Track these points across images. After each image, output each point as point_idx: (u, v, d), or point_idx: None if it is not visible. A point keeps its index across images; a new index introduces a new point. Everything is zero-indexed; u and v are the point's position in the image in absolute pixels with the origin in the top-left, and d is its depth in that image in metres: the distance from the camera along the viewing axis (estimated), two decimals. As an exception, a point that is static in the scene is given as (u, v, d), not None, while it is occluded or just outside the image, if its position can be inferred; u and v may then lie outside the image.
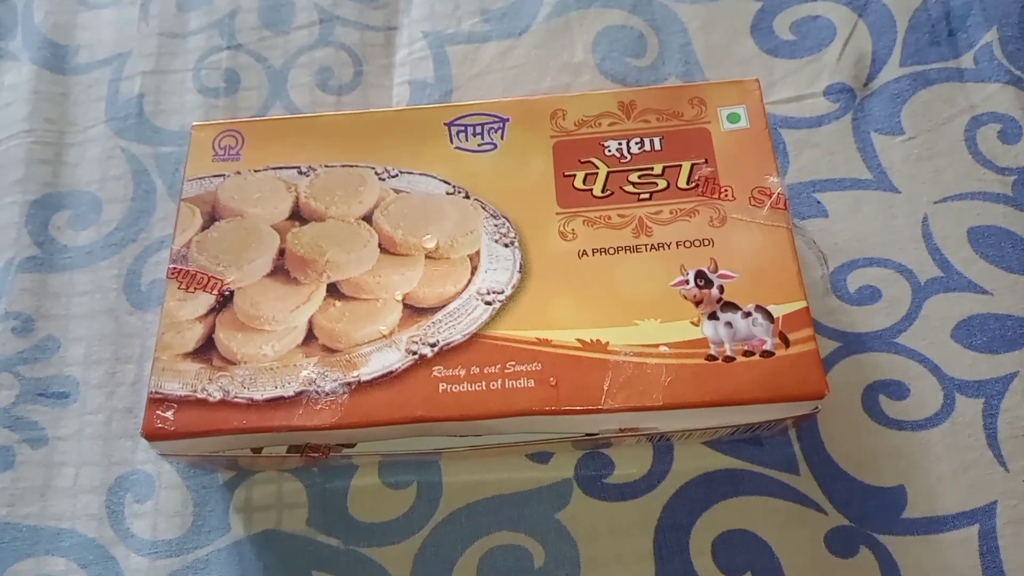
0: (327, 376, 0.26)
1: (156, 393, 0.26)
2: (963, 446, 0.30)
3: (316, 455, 0.27)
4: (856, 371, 0.32)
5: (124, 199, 0.36)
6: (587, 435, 0.28)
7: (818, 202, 0.34)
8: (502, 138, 0.30)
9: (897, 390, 0.31)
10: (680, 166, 0.29)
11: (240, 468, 0.31)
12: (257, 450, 0.28)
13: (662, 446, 0.31)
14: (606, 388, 0.26)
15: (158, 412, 0.26)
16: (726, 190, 0.29)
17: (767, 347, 0.26)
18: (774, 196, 0.28)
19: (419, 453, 0.29)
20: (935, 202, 0.34)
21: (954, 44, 0.37)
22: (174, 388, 0.26)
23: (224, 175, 0.30)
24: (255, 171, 0.30)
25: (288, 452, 0.27)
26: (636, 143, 0.30)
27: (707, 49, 0.38)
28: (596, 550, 0.30)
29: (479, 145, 0.30)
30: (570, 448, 0.31)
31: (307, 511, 0.31)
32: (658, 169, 0.29)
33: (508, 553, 0.30)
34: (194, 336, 0.27)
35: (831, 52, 0.37)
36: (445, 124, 0.31)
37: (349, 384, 0.26)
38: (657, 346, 0.26)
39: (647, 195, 0.29)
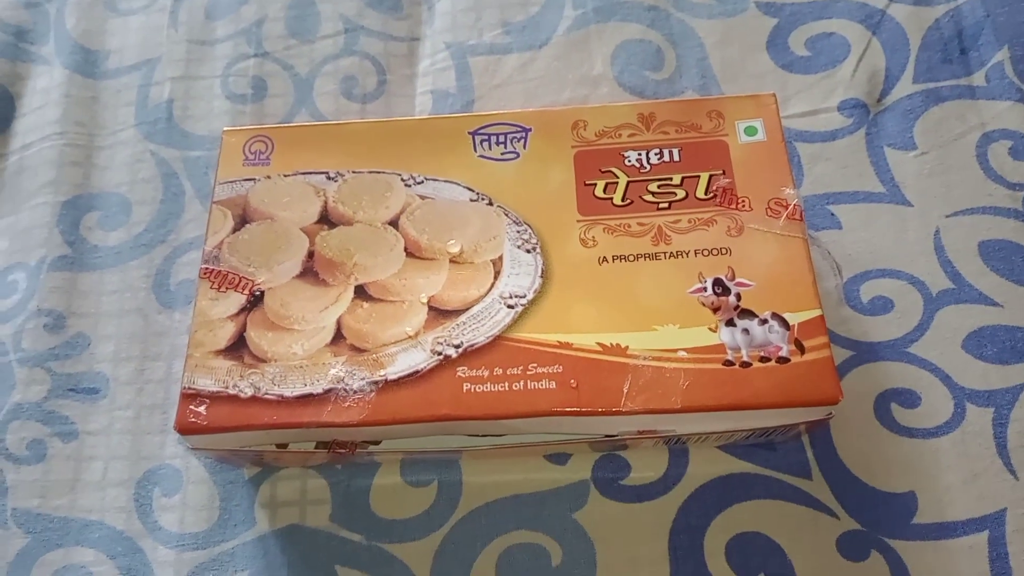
0: (355, 375, 0.27)
1: (189, 388, 0.27)
2: (973, 454, 0.31)
3: (343, 451, 0.28)
4: (868, 379, 0.32)
5: (153, 201, 0.37)
6: (606, 436, 0.28)
7: (832, 214, 0.35)
8: (524, 147, 0.31)
9: (909, 398, 0.32)
10: (698, 177, 0.30)
11: (265, 464, 0.32)
12: (282, 446, 0.28)
13: (678, 449, 0.32)
14: (626, 391, 0.26)
15: (191, 407, 0.27)
16: (743, 201, 0.29)
17: (783, 353, 0.27)
18: (790, 207, 0.29)
19: (441, 451, 0.30)
20: (947, 216, 0.35)
21: (966, 62, 0.38)
22: (206, 384, 0.27)
23: (254, 179, 0.31)
24: (285, 176, 0.31)
25: (316, 448, 0.28)
26: (655, 154, 0.30)
27: (723, 64, 0.39)
28: (612, 550, 0.30)
29: (502, 154, 0.31)
30: (588, 450, 0.31)
31: (330, 507, 0.31)
32: (677, 179, 0.30)
33: (526, 551, 0.31)
34: (226, 334, 0.28)
35: (845, 68, 0.38)
36: (469, 133, 0.31)
37: (376, 383, 0.27)
38: (676, 351, 0.27)
39: (666, 204, 0.30)
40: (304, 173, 0.31)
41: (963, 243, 0.34)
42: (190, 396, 0.27)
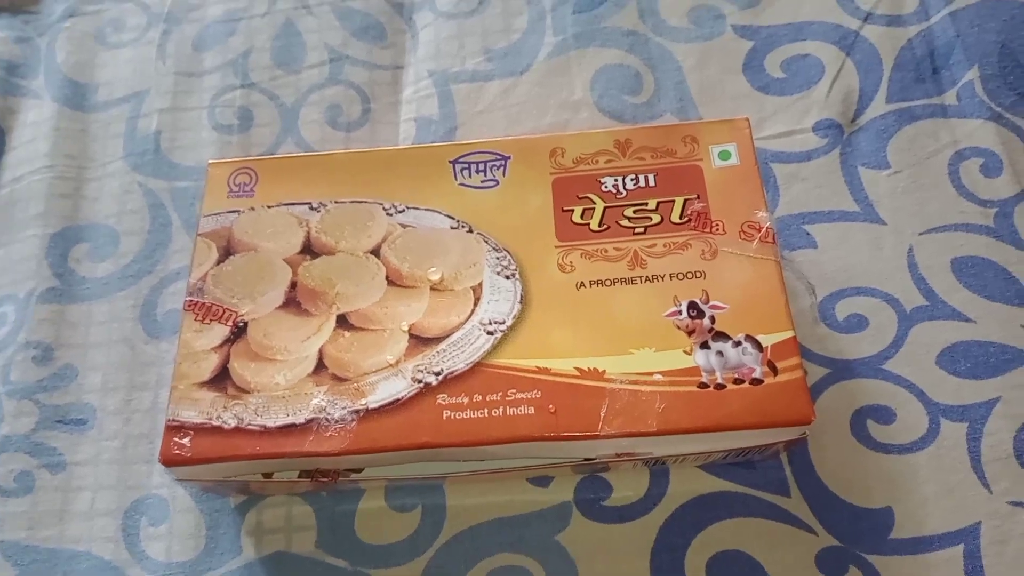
0: (336, 404, 0.28)
1: (173, 420, 0.28)
2: (948, 469, 0.31)
3: (326, 479, 0.28)
4: (845, 396, 0.33)
5: (141, 232, 0.38)
6: (585, 459, 0.29)
7: (807, 233, 0.36)
8: (504, 175, 0.32)
9: (884, 415, 0.33)
10: (673, 201, 0.31)
11: (251, 492, 0.32)
12: (268, 475, 0.29)
13: (658, 470, 0.32)
14: (603, 415, 0.27)
15: (175, 439, 0.27)
16: (717, 224, 0.30)
17: (756, 375, 0.27)
18: (763, 230, 0.30)
19: (424, 477, 0.30)
20: (920, 233, 0.35)
21: (938, 82, 0.38)
22: (190, 416, 0.28)
23: (239, 211, 0.32)
24: (268, 207, 0.32)
25: (299, 477, 0.28)
26: (631, 179, 0.31)
27: (701, 86, 0.40)
28: (595, 570, 0.31)
29: (482, 182, 0.32)
30: (569, 472, 0.32)
31: (316, 533, 0.32)
32: (652, 204, 0.31)
33: (510, 574, 0.31)
34: (209, 366, 0.29)
35: (820, 89, 0.39)
36: (450, 161, 0.32)
37: (357, 411, 0.27)
38: (652, 374, 0.27)
39: (642, 229, 0.30)
40: (287, 204, 0.32)
41: (936, 260, 0.35)
42: (174, 428, 0.27)
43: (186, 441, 0.27)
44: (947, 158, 0.37)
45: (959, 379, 0.33)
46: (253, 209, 0.32)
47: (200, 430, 0.27)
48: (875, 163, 0.37)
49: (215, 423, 0.27)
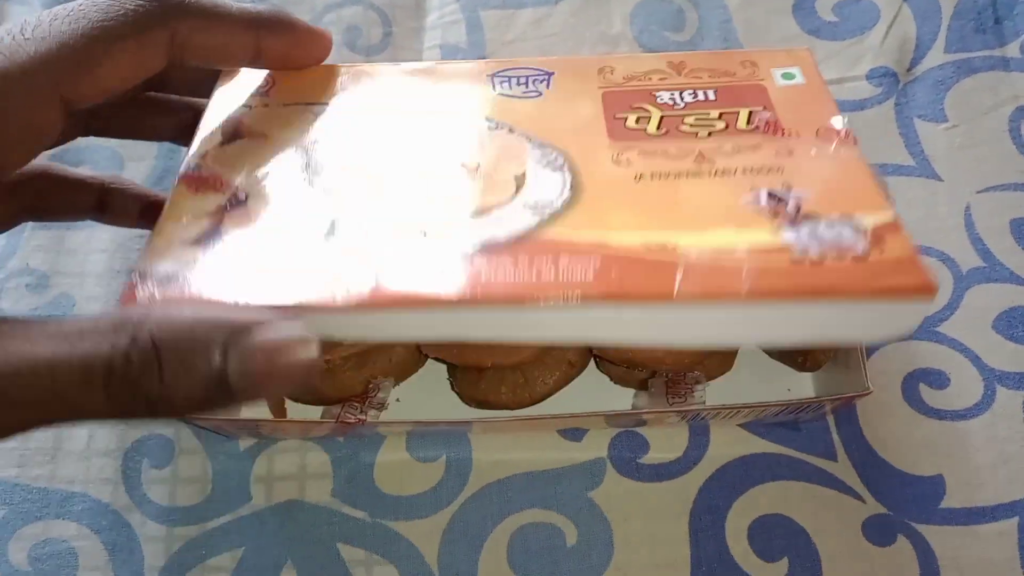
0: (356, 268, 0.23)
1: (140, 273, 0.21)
2: (1003, 437, 0.30)
3: (350, 421, 0.26)
4: (897, 359, 0.31)
5: (148, 157, 0.35)
6: (619, 413, 0.26)
7: (860, 185, 0.34)
8: (548, 87, 0.28)
9: (938, 379, 0.31)
10: (737, 112, 0.27)
11: (261, 435, 0.29)
12: (281, 414, 0.26)
13: (698, 427, 0.30)
14: (678, 280, 0.22)
15: (143, 285, 0.21)
16: (790, 132, 0.26)
17: (859, 252, 0.22)
18: (842, 132, 0.25)
19: (449, 423, 0.27)
20: (977, 192, 0.34)
21: (1000, 33, 0.36)
22: (167, 269, 0.21)
23: (251, 106, 0.27)
24: (285, 105, 0.28)
25: (322, 418, 0.26)
26: (689, 94, 0.27)
27: (747, 26, 0.37)
28: (630, 530, 0.29)
29: (524, 92, 0.28)
30: (604, 425, 0.30)
31: (332, 482, 0.29)
32: (715, 114, 0.27)
33: (540, 531, 0.29)
34: (199, 229, 0.23)
35: (874, 35, 0.37)
36: (488, 76, 0.29)
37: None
38: (733, 251, 0.22)
39: (706, 133, 0.26)
40: (306, 104, 0.28)
41: (994, 220, 0.33)
42: (143, 278, 0.21)
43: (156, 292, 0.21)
44: (1007, 114, 0.35)
45: (1016, 345, 0.31)
46: (267, 106, 0.27)
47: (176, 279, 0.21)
48: (931, 116, 0.35)
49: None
